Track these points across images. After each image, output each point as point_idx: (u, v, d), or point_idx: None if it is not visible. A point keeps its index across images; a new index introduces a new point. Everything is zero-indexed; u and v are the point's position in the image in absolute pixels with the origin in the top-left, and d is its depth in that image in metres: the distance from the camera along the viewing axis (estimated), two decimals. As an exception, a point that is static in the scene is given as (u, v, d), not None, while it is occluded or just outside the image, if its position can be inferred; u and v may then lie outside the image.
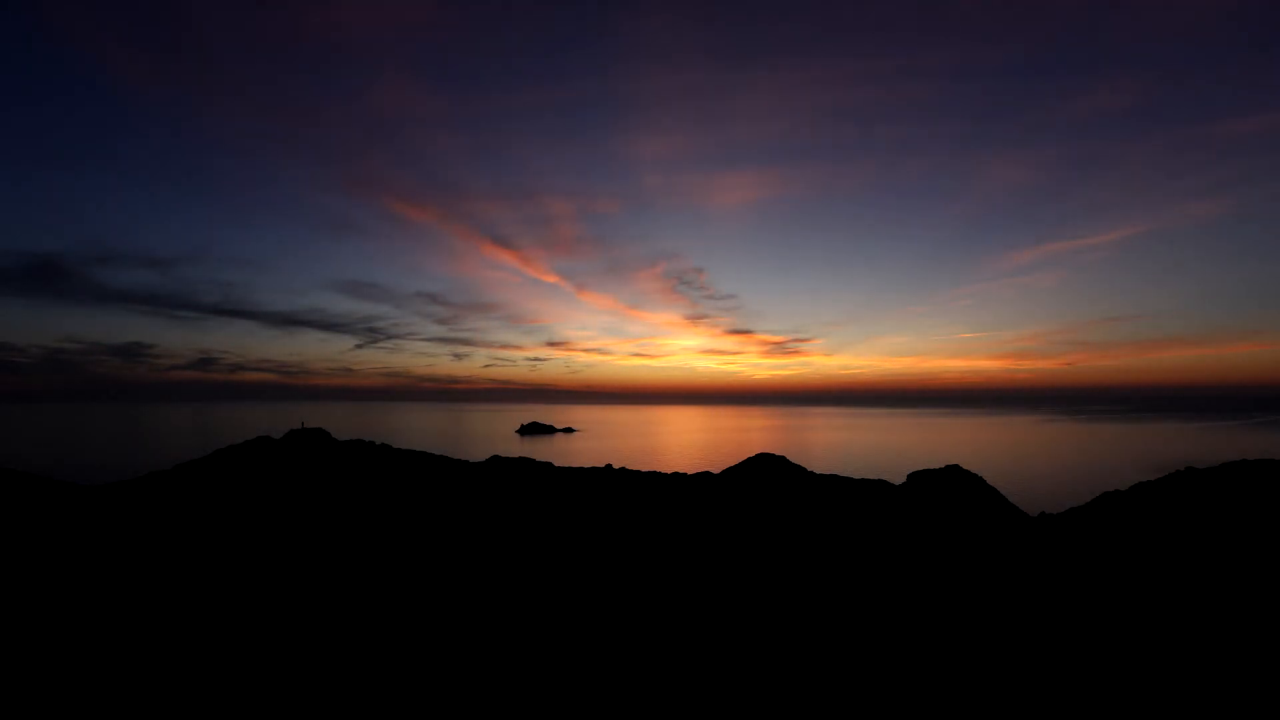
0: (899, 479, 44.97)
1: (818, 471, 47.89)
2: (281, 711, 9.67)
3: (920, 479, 42.92)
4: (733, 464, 50.64)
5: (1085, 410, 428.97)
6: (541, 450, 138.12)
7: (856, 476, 45.99)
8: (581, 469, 48.36)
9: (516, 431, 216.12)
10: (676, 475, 47.03)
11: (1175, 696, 12.52)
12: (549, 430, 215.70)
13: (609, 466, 49.87)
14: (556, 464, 49.39)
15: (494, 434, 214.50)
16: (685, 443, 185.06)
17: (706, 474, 48.43)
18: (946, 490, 40.85)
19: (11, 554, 19.99)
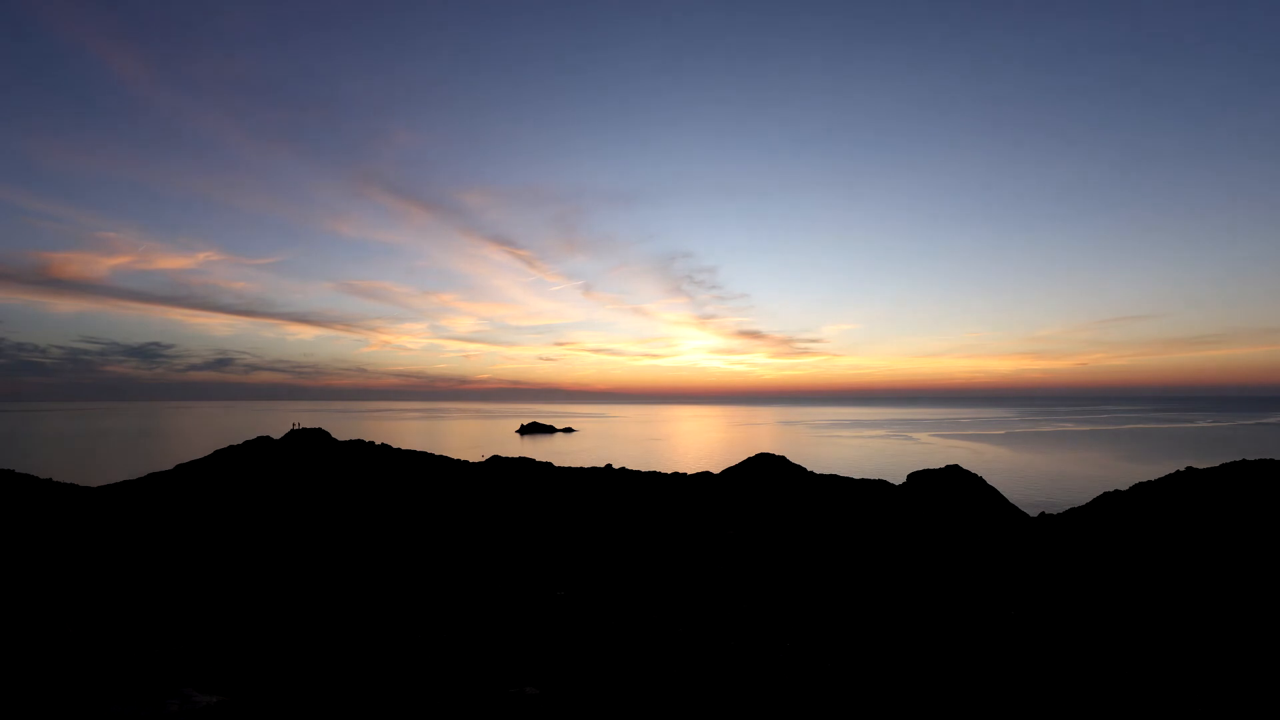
0: (901, 479, 44.91)
1: (819, 471, 47.85)
2: (277, 711, 9.64)
3: (920, 479, 42.85)
4: (734, 464, 50.63)
5: (1095, 411, 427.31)
6: (542, 450, 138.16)
7: (858, 476, 45.96)
8: (581, 469, 48.32)
9: (517, 431, 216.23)
10: (676, 475, 47.00)
11: (1176, 696, 12.47)
12: (549, 430, 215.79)
13: (609, 466, 49.84)
14: (557, 464, 49.36)
15: (495, 434, 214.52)
16: (689, 442, 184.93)
17: (706, 474, 48.40)
18: (946, 490, 40.78)
19: (8, 556, 19.98)
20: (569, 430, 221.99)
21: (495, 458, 49.96)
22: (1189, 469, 32.25)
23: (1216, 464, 32.11)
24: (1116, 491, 33.05)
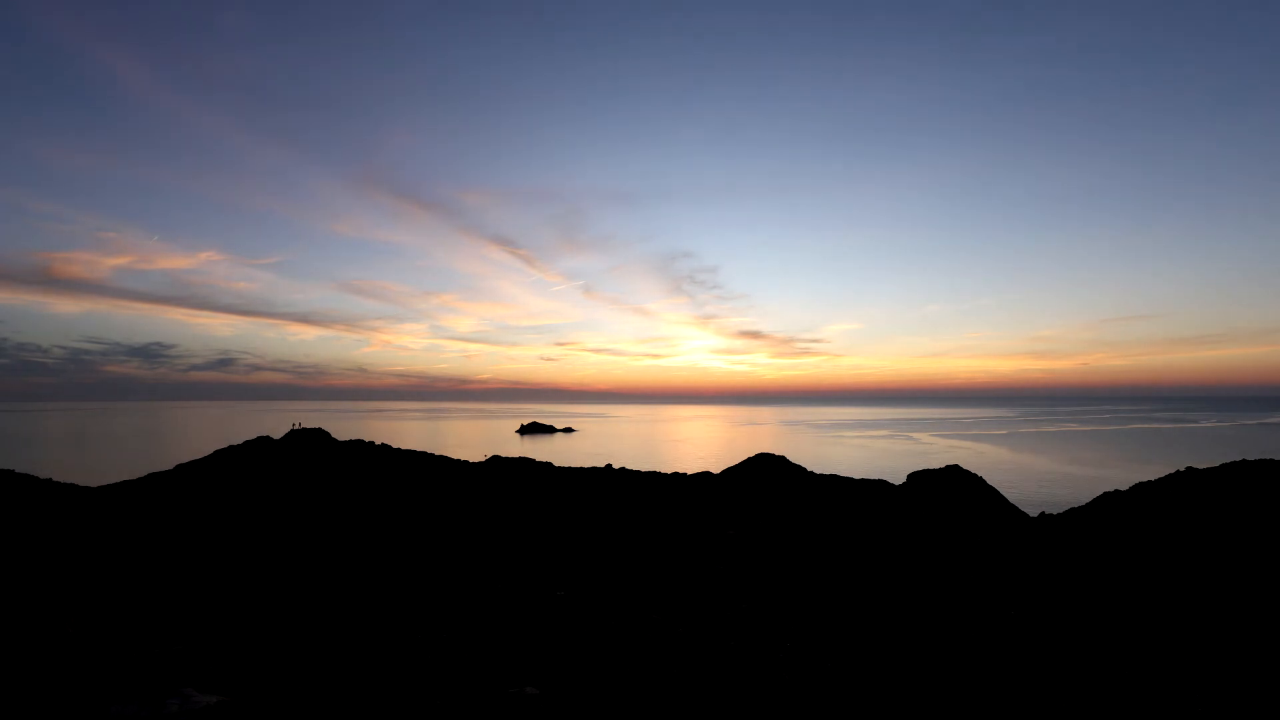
0: (901, 479, 44.89)
1: (819, 471, 47.85)
2: (278, 711, 9.65)
3: (920, 479, 42.84)
4: (734, 464, 50.63)
5: (1097, 410, 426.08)
6: (542, 450, 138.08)
7: (859, 476, 45.95)
8: (581, 469, 48.33)
9: (517, 431, 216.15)
10: (676, 475, 47.01)
11: (1176, 696, 12.48)
12: (549, 430, 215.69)
13: (609, 466, 49.84)
14: (557, 464, 49.38)
15: (496, 434, 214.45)
16: (689, 442, 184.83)
17: (706, 474, 48.40)
18: (946, 490, 40.77)
19: (8, 556, 20.01)
20: (569, 430, 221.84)
21: (495, 458, 49.97)
22: (1189, 469, 32.22)
23: (1216, 464, 32.09)
24: (1116, 491, 33.02)
